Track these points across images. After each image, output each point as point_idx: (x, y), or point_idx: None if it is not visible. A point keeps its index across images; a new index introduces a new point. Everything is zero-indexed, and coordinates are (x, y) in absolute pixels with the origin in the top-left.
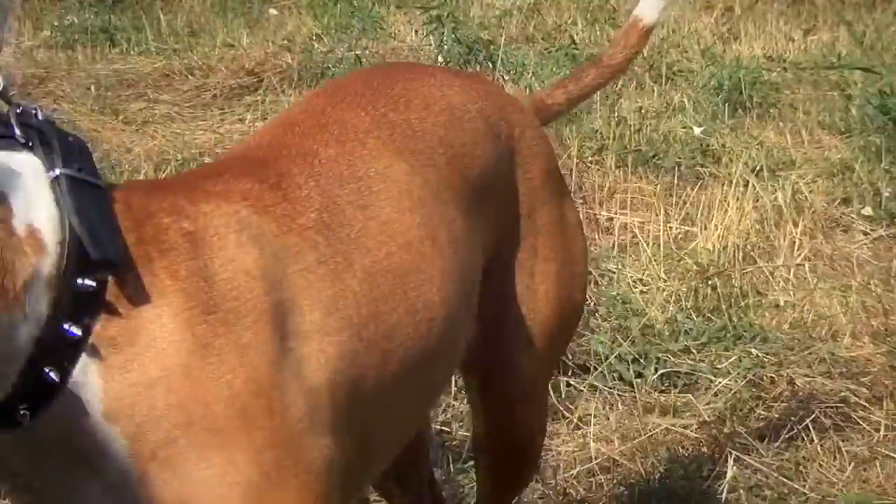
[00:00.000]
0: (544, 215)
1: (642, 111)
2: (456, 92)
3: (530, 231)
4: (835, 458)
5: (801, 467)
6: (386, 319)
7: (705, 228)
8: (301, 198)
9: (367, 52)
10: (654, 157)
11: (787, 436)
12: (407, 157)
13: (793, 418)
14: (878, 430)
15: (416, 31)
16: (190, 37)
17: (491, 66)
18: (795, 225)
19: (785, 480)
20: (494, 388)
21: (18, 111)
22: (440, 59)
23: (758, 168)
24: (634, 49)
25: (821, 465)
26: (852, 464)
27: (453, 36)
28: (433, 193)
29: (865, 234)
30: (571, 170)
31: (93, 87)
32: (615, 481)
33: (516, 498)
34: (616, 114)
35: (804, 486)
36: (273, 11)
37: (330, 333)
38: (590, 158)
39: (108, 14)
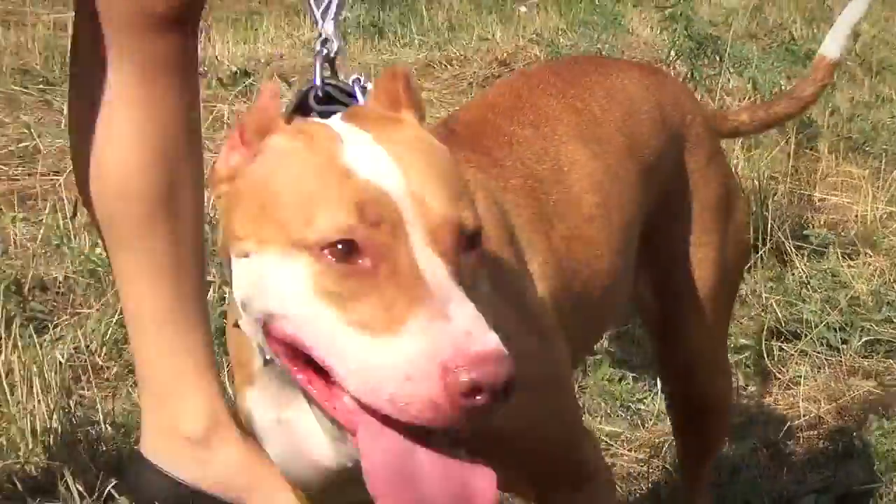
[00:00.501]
0: (710, 192)
1: (853, 101)
2: (635, 83)
3: (696, 207)
4: None
5: None
6: (578, 276)
7: None
8: (508, 166)
9: (607, 45)
10: (864, 143)
11: None
12: (590, 144)
13: None
14: None
15: (651, 28)
16: (449, 31)
17: (718, 59)
18: None
19: None
20: (670, 355)
21: (354, 81)
22: (672, 52)
23: None
24: (822, 83)
25: None
26: None
27: (685, 32)
28: (610, 179)
29: None
30: (789, 154)
31: (363, 75)
32: (821, 437)
33: (712, 458)
34: (830, 104)
35: None
36: (523, 9)
37: (545, 279)
38: (806, 145)
39: (377, 11)
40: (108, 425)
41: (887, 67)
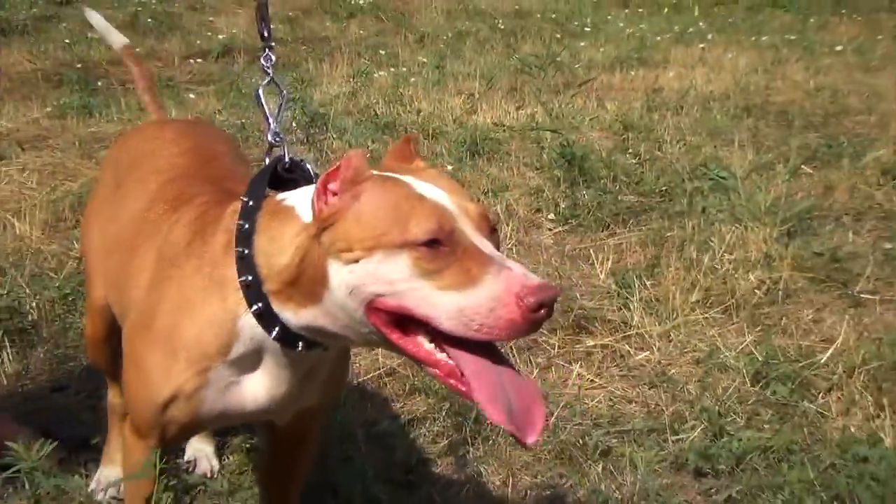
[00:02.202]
0: None
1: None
2: None
3: None
4: None
5: None
6: None
7: None
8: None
9: (248, 121)
10: None
11: None
12: None
13: None
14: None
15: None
16: (139, 111)
17: (325, 128)
18: (507, 225)
19: None
20: None
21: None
22: (294, 123)
23: (486, 191)
24: (134, 63)
25: None
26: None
27: (302, 110)
28: None
29: (550, 230)
30: None
31: (77, 143)
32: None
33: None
34: None
35: None
36: (191, 95)
37: None
38: None
39: (88, 96)
40: None
41: (440, 133)
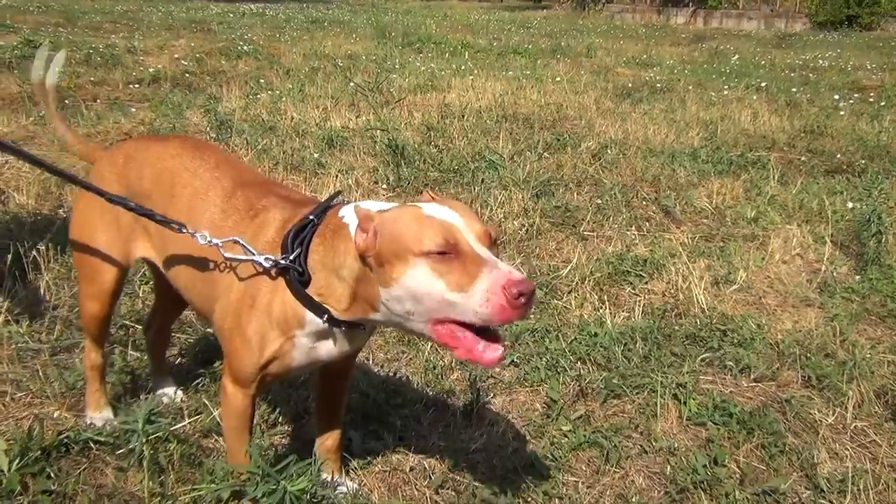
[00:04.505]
0: None
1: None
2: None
3: None
4: None
5: None
6: None
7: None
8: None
9: (177, 126)
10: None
11: None
12: None
13: None
14: None
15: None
16: (97, 119)
17: (230, 131)
18: (355, 192)
19: None
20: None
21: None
22: (208, 127)
23: (340, 170)
24: (46, 97)
25: None
26: None
27: (214, 118)
28: None
29: (383, 195)
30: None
31: (54, 141)
32: None
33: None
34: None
35: None
36: (133, 109)
37: None
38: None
39: (59, 109)
40: None
41: (307, 132)
